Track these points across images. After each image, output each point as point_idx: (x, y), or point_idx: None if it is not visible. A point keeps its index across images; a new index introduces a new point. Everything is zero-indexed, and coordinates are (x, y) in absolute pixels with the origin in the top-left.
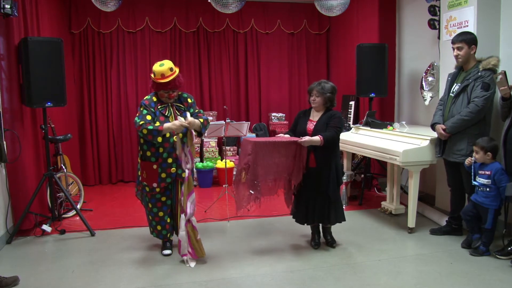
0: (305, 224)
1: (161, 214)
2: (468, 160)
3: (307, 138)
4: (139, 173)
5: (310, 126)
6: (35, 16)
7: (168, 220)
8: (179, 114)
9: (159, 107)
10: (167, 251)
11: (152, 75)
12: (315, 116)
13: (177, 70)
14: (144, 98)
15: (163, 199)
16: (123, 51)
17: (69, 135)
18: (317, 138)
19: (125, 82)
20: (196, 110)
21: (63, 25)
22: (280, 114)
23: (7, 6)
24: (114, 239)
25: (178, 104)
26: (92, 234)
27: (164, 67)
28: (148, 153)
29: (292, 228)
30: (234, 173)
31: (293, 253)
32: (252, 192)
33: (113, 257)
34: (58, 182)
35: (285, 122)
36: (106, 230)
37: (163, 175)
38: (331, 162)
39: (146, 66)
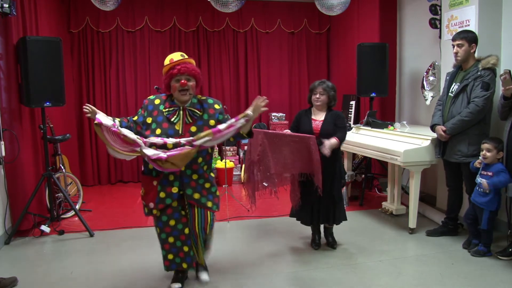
0: (311, 226)
1: (171, 240)
2: (477, 162)
3: (327, 144)
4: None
5: (316, 125)
6: (34, 15)
7: (182, 247)
8: (191, 121)
9: (165, 110)
10: (177, 285)
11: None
12: (318, 116)
13: (192, 60)
14: (146, 98)
15: (172, 223)
16: (122, 50)
17: (68, 135)
18: (334, 140)
19: (124, 82)
20: (225, 117)
21: (62, 24)
22: (280, 114)
23: (6, 5)
24: (113, 240)
25: (193, 109)
26: (91, 235)
27: (174, 54)
28: (151, 166)
29: (292, 229)
30: (238, 172)
31: (293, 253)
32: (266, 185)
33: (112, 258)
34: (57, 182)
35: (285, 122)
36: (105, 231)
37: (162, 194)
38: (335, 162)
39: (145, 66)
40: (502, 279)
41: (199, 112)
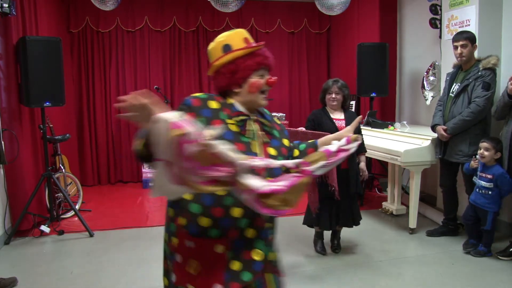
0: (330, 230)
1: None
2: (475, 163)
3: (364, 166)
4: (169, 264)
5: (341, 125)
6: (34, 15)
7: None
8: (268, 140)
9: (230, 121)
10: None
11: (219, 52)
12: (336, 115)
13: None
14: (192, 96)
15: None
16: (122, 50)
17: (67, 135)
18: (364, 158)
19: (124, 82)
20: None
21: (62, 24)
22: (280, 114)
23: (5, 5)
24: (113, 240)
25: (262, 120)
26: (91, 235)
27: (239, 30)
28: (204, 221)
29: (292, 229)
30: None
31: (293, 253)
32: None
33: (112, 258)
34: (56, 182)
35: (286, 122)
36: (105, 231)
37: (236, 265)
38: (355, 162)
39: (145, 66)
40: (502, 279)
41: (269, 125)
